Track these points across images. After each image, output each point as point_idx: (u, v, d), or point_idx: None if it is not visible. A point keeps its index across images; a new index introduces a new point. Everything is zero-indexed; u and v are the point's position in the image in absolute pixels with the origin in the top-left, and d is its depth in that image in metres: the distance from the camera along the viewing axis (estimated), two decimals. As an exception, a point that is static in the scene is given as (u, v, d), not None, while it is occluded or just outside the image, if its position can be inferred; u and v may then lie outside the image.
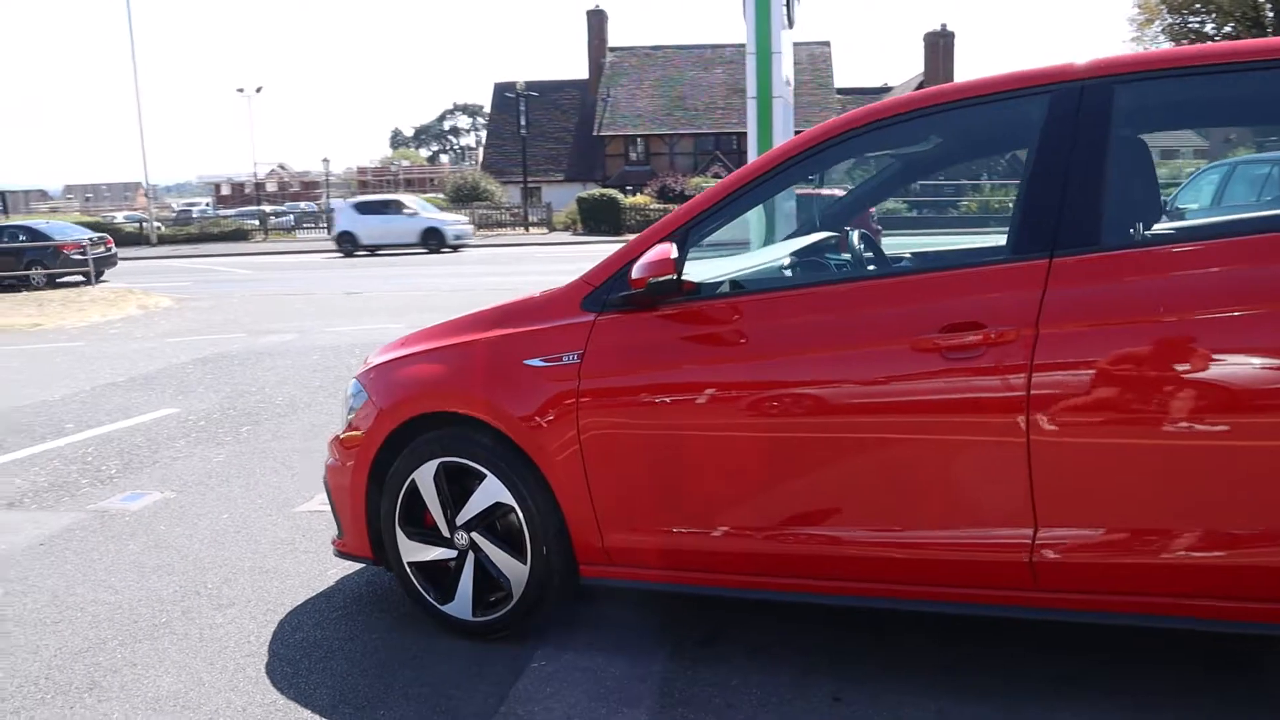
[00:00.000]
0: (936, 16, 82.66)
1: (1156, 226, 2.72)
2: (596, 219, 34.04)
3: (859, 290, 2.70)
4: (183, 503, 5.05)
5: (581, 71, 50.62)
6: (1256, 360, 2.17)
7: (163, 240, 37.79)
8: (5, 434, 6.95)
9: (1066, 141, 2.43)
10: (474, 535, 3.08)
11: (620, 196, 34.63)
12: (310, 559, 4.09)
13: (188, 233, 38.98)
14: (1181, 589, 2.29)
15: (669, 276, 2.67)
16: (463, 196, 44.84)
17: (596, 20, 50.27)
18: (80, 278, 21.53)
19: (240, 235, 37.74)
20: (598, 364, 2.83)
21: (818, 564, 2.62)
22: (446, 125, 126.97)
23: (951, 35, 44.10)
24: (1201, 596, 2.28)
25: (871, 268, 3.25)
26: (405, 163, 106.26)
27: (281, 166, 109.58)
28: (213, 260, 30.01)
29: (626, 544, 2.88)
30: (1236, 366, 2.19)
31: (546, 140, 50.02)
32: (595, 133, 47.49)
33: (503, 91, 50.70)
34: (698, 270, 2.96)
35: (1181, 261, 2.30)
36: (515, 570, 3.03)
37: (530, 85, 46.84)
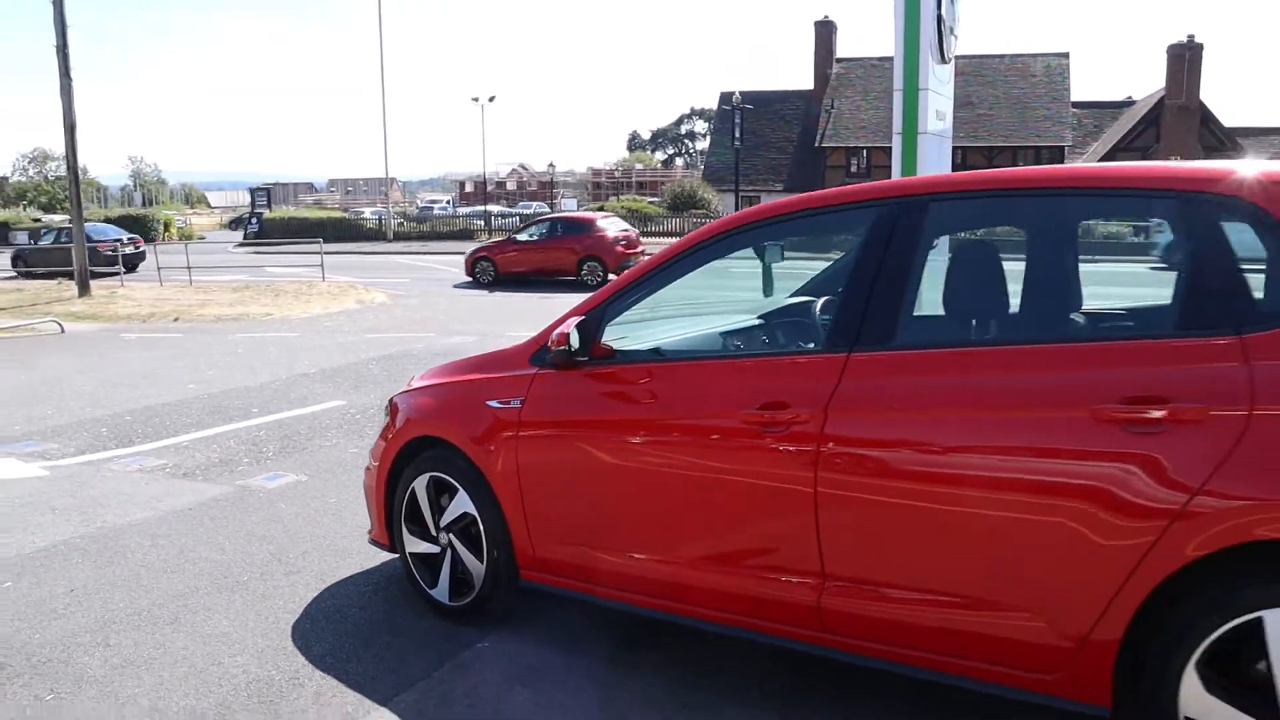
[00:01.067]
0: (1184, 27, 76.07)
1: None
2: (801, 232, 34.18)
3: (709, 367, 3.22)
4: (308, 485, 6.10)
5: (808, 82, 50.65)
6: (990, 458, 2.52)
7: (398, 236, 41.37)
8: (207, 413, 8.42)
9: (879, 250, 2.85)
10: (450, 536, 3.83)
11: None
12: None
13: (420, 230, 42.46)
14: (937, 646, 2.67)
15: (563, 349, 3.30)
16: (680, 204, 46.11)
17: (824, 31, 50.19)
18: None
19: (467, 234, 40.68)
20: (534, 409, 3.50)
21: (711, 599, 3.14)
22: (683, 129, 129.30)
23: (1199, 47, 40.61)
24: (959, 656, 2.64)
25: (728, 346, 3.72)
26: (639, 165, 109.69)
27: (523, 166, 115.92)
28: (436, 258, 32.70)
29: (553, 556, 3.52)
30: (975, 459, 2.55)
31: (768, 150, 50.44)
32: (816, 144, 47.47)
33: (727, 100, 51.60)
34: (651, 334, 3.58)
35: (944, 363, 2.68)
36: (476, 567, 3.75)
37: (755, 95, 47.50)
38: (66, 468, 6.73)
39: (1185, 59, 40.55)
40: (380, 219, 44.60)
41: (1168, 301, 2.65)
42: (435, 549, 3.92)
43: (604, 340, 3.40)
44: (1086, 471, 2.38)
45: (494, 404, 3.63)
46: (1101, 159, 44.83)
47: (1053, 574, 2.45)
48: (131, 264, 27.50)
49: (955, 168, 42.67)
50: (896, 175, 10.61)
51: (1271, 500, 2.17)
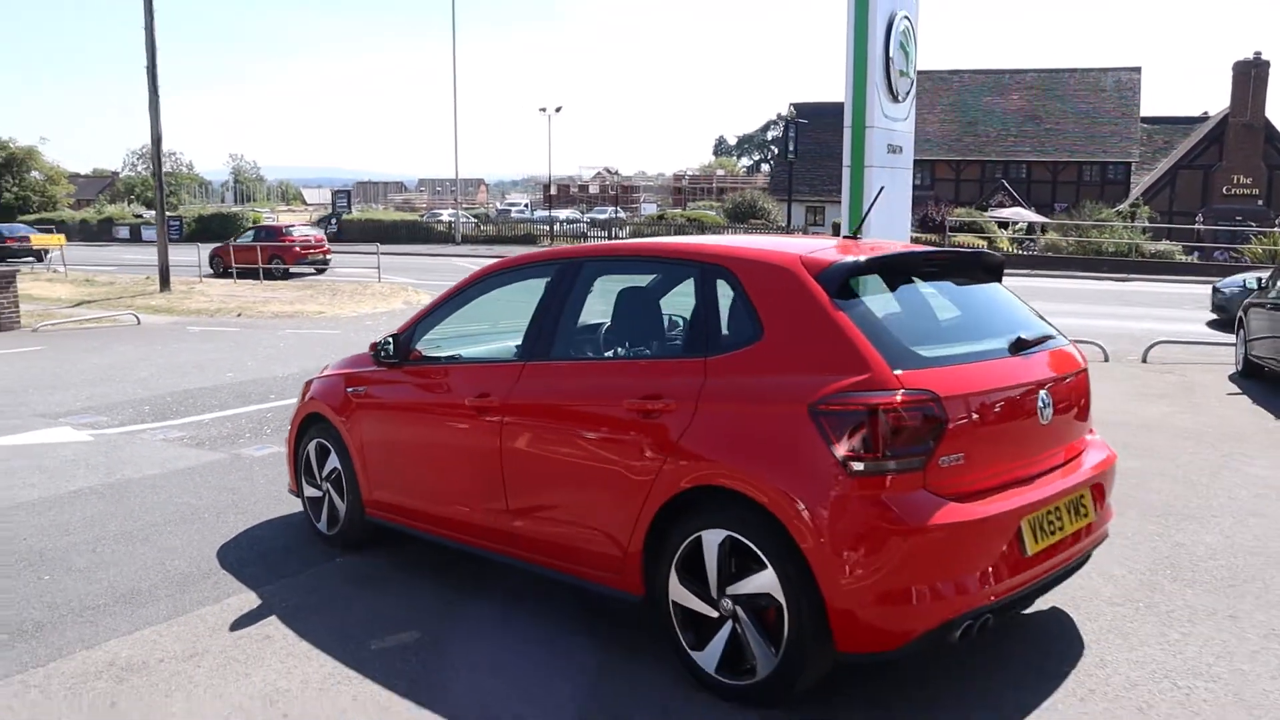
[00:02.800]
0: (1257, 42, 73.42)
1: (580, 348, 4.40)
2: (847, 244, 35.03)
3: (463, 369, 4.66)
4: (283, 455, 7.69)
5: (873, 95, 51.18)
6: (583, 431, 3.92)
7: (465, 239, 43.50)
8: (232, 397, 10.14)
9: (551, 292, 4.28)
10: (328, 485, 5.35)
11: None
12: (305, 495, 6.52)
13: (486, 234, 44.51)
14: (569, 558, 4.07)
15: (382, 354, 4.82)
16: (740, 214, 47.29)
17: (893, 44, 50.73)
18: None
19: (530, 239, 42.60)
20: (370, 394, 5.01)
21: (460, 526, 4.58)
22: (769, 135, 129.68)
23: (1266, 64, 40.07)
24: (578, 564, 4.03)
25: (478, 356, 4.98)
26: (720, 171, 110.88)
27: (607, 170, 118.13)
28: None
29: (382, 499, 5.02)
30: (575, 431, 3.95)
31: (834, 160, 51.06)
32: (879, 156, 47.99)
33: (801, 111, 52.54)
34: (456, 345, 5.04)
35: (577, 371, 4.10)
36: (342, 507, 5.27)
37: (824, 106, 48.34)
38: (108, 436, 8.47)
39: (1251, 76, 40.11)
40: (448, 222, 46.71)
41: (680, 334, 4.02)
42: (319, 494, 5.45)
43: (419, 348, 4.87)
44: (623, 440, 3.77)
45: (350, 390, 5.16)
46: (1161, 176, 44.40)
47: (609, 506, 3.82)
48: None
49: (1018, 183, 42.41)
50: (845, 206, 11.79)
51: (702, 461, 3.51)
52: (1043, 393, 3.64)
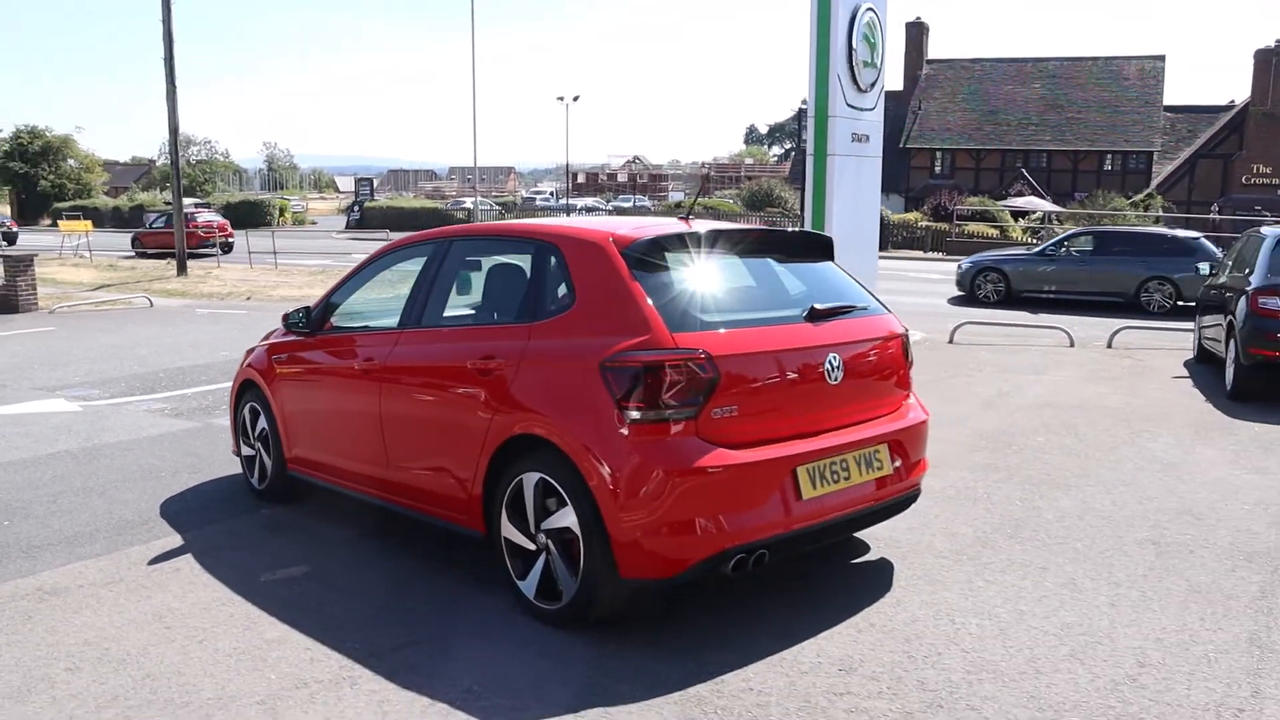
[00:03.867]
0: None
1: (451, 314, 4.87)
2: (858, 233, 35.25)
3: (363, 336, 5.17)
4: (250, 423, 8.28)
5: (897, 83, 51.24)
6: (439, 389, 4.46)
7: (484, 228, 44.07)
8: (218, 373, 10.79)
9: (431, 267, 4.80)
10: (259, 445, 5.93)
11: (885, 212, 35.58)
12: (254, 457, 7.10)
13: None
14: (432, 502, 4.60)
15: (294, 323, 5.37)
16: (757, 202, 47.56)
17: (915, 33, 50.71)
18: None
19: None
20: (289, 361, 5.57)
21: (354, 477, 5.13)
22: (801, 124, 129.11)
23: (1287, 52, 39.68)
24: (440, 507, 4.57)
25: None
26: (749, 160, 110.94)
27: (637, 159, 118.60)
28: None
29: (300, 455, 5.59)
30: (435, 387, 4.49)
31: (852, 150, 51.18)
32: (901, 145, 48.09)
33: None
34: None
35: (437, 336, 4.63)
36: (269, 463, 5.84)
37: (839, 97, 48.28)
38: (96, 407, 9.12)
39: (1272, 64, 39.70)
40: (469, 210, 47.41)
41: (518, 303, 4.44)
42: (253, 453, 6.03)
43: (333, 319, 5.42)
44: (466, 396, 4.30)
45: (273, 357, 5.73)
46: (1180, 165, 44.04)
47: (458, 455, 4.35)
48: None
49: (1038, 172, 42.06)
50: (808, 194, 12.22)
51: (523, 412, 4.02)
52: (832, 356, 4.10)
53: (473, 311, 4.81)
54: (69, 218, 36.11)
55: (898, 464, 4.34)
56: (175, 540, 5.27)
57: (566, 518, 3.85)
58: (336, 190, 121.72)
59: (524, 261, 4.42)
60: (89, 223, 31.70)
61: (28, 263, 16.98)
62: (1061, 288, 18.51)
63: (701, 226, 4.29)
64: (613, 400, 3.70)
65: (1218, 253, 16.78)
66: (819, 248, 4.76)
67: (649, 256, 4.01)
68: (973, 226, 33.10)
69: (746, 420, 3.82)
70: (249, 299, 19.79)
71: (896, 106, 50.40)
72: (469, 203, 53.36)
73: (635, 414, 3.66)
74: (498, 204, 56.09)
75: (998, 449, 7.05)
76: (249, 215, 47.12)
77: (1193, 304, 14.19)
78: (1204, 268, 12.33)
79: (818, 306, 4.21)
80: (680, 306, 3.89)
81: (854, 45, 12.04)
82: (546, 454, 3.91)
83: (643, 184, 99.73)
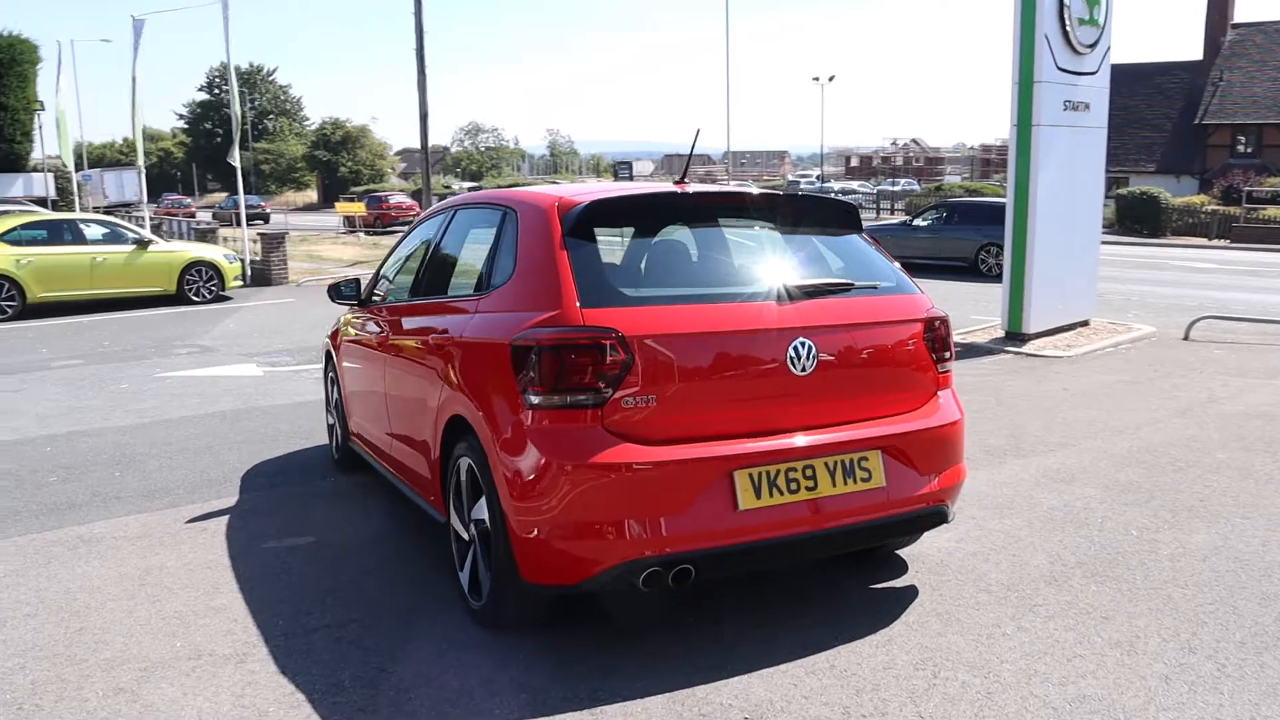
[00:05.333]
0: None
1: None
2: (1135, 218, 31.73)
3: (401, 308, 5.03)
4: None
5: (1195, 51, 45.60)
6: (413, 361, 4.27)
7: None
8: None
9: (435, 238, 4.61)
10: (335, 413, 6.07)
11: (1164, 195, 31.73)
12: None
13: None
14: (413, 480, 4.44)
15: (329, 293, 5.35)
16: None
17: (1223, -7, 44.80)
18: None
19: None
20: (344, 330, 5.61)
21: (376, 451, 5.09)
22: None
23: None
24: (416, 485, 4.43)
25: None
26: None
27: (914, 141, 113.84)
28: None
29: (355, 429, 5.61)
30: (415, 360, 4.28)
31: (1142, 127, 46.17)
32: (1196, 121, 42.85)
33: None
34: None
35: (420, 310, 4.44)
36: (339, 431, 5.95)
37: (1132, 69, 43.81)
38: (277, 373, 9.82)
39: None
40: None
41: (478, 273, 4.07)
42: (332, 422, 6.19)
43: (377, 290, 5.39)
44: (426, 371, 4.07)
45: (339, 328, 5.80)
46: None
47: (421, 433, 4.14)
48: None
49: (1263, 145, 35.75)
50: (1011, 168, 10.96)
51: (457, 392, 3.72)
52: (800, 342, 3.48)
53: (455, 283, 4.58)
54: (345, 200, 39.93)
55: (902, 475, 3.63)
56: (229, 501, 5.48)
57: (483, 509, 3.54)
58: (615, 176, 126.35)
59: (491, 231, 4.12)
60: (361, 205, 34.66)
61: (279, 240, 18.76)
62: (916, 256, 19.08)
63: (666, 190, 3.80)
64: (515, 382, 3.34)
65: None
66: (836, 217, 4.10)
67: (586, 223, 3.57)
68: (1271, 210, 28.73)
69: (669, 412, 3.32)
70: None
71: (1192, 77, 44.84)
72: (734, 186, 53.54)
73: (535, 399, 3.28)
74: (760, 186, 55.63)
75: (1155, 466, 5.91)
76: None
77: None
78: None
79: (790, 284, 3.61)
80: (604, 279, 3.45)
81: (1066, 0, 10.62)
82: (472, 438, 3.62)
83: (918, 167, 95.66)
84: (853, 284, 3.79)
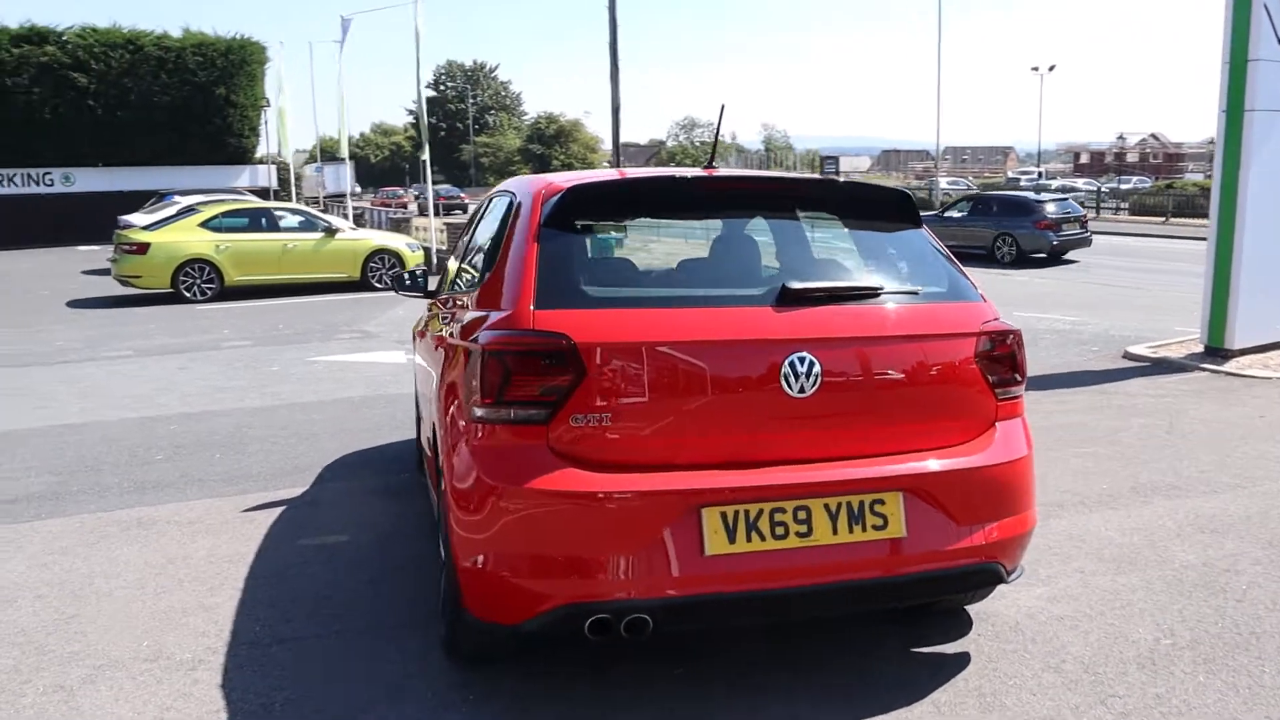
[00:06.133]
0: None
1: None
2: None
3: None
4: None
5: None
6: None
7: (943, 207, 41.61)
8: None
9: (473, 227, 4.29)
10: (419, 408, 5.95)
11: None
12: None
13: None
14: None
15: (392, 283, 5.12)
16: None
17: None
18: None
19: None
20: (422, 323, 5.46)
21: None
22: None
23: None
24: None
25: None
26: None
27: (1153, 136, 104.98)
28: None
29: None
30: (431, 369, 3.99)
31: None
32: None
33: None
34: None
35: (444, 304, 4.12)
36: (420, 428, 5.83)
37: None
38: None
39: None
40: (931, 190, 45.23)
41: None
42: (418, 417, 6.09)
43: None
44: (430, 370, 3.78)
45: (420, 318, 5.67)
46: None
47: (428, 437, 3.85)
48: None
49: None
50: (1218, 157, 9.55)
51: (437, 399, 3.37)
52: (799, 357, 2.91)
53: (467, 275, 4.27)
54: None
55: (931, 523, 2.98)
56: (295, 492, 5.45)
57: (441, 527, 3.22)
58: (821, 170, 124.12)
59: (499, 219, 3.76)
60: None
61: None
62: (951, 243, 18.37)
63: (663, 176, 3.33)
64: (465, 389, 3.00)
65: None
66: (883, 208, 3.47)
67: (565, 213, 3.15)
68: None
69: (628, 434, 2.85)
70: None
71: None
72: (944, 183, 51.03)
73: (479, 411, 2.90)
74: (974, 185, 52.81)
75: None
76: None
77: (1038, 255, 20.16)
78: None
79: (793, 285, 3.03)
80: (570, 277, 3.02)
81: (1302, -37, 9.07)
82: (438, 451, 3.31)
83: (1155, 164, 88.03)
84: (880, 288, 3.18)
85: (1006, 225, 20.43)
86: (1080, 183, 56.33)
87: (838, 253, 3.37)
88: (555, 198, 3.17)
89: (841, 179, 3.57)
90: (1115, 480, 5.48)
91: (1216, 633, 3.60)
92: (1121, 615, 3.75)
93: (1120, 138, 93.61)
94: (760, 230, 3.44)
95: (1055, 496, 5.18)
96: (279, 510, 5.09)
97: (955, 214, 22.02)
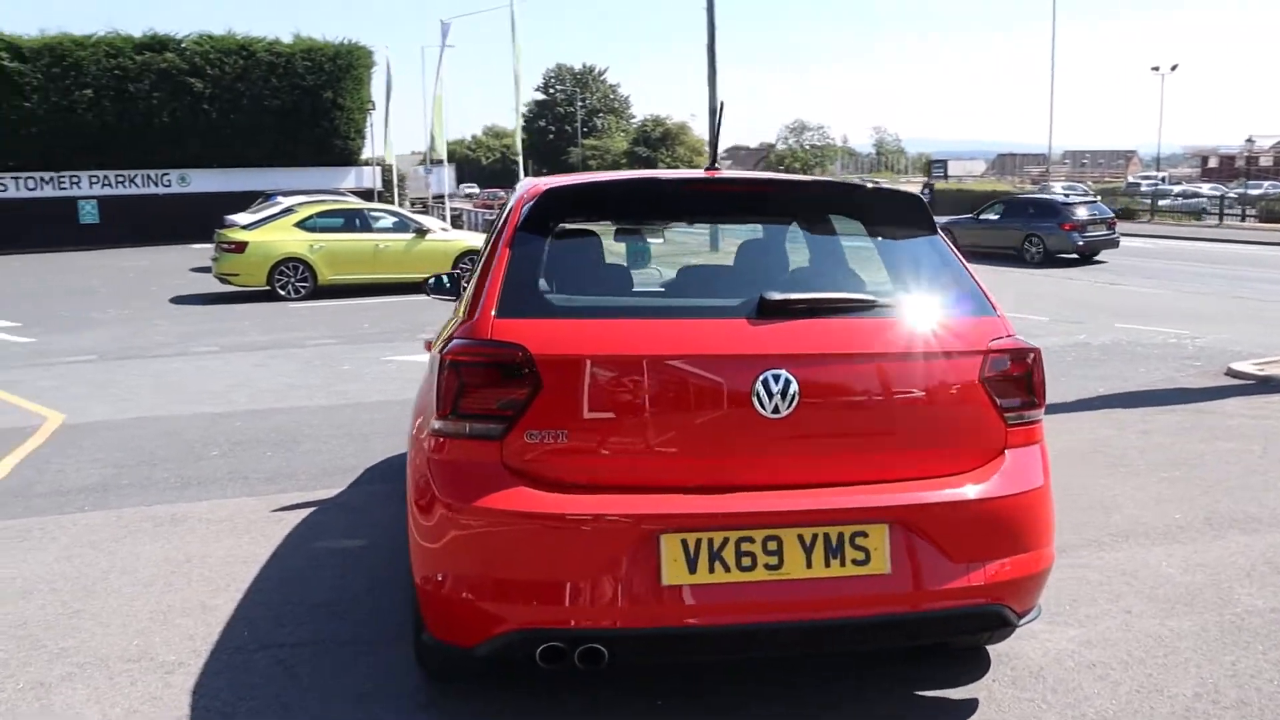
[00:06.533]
0: None
1: None
2: None
3: None
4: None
5: None
6: None
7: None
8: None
9: None
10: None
11: None
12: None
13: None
14: None
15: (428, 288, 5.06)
16: None
17: None
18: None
19: (1127, 214, 37.59)
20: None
21: None
22: None
23: None
24: None
25: None
26: None
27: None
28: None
29: None
30: None
31: None
32: None
33: None
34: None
35: None
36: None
37: None
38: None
39: None
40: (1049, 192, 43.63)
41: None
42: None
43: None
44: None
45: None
46: None
47: None
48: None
49: None
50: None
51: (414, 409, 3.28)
52: (775, 374, 2.70)
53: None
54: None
55: (921, 559, 2.73)
56: (330, 493, 5.48)
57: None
58: (946, 175, 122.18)
59: (497, 223, 3.66)
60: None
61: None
62: (976, 245, 21.12)
63: (646, 178, 3.17)
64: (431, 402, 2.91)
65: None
66: (891, 213, 3.23)
67: (541, 216, 3.03)
68: None
69: (586, 453, 2.70)
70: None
71: None
72: (1058, 188, 49.37)
73: (436, 423, 2.80)
74: (1093, 188, 50.68)
75: None
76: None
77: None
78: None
79: (772, 296, 2.81)
80: (535, 284, 2.90)
81: None
82: None
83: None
84: (873, 301, 2.94)
85: (1034, 227, 21.40)
86: (1205, 188, 53.36)
87: (833, 261, 3.16)
88: (532, 201, 3.06)
89: (843, 180, 3.36)
90: (1189, 510, 5.06)
91: (1270, 692, 3.23)
92: (1162, 666, 3.41)
93: (1249, 140, 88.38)
94: (753, 236, 3.25)
95: (1120, 525, 4.81)
96: (308, 512, 5.11)
97: (990, 216, 22.89)
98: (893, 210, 3.26)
